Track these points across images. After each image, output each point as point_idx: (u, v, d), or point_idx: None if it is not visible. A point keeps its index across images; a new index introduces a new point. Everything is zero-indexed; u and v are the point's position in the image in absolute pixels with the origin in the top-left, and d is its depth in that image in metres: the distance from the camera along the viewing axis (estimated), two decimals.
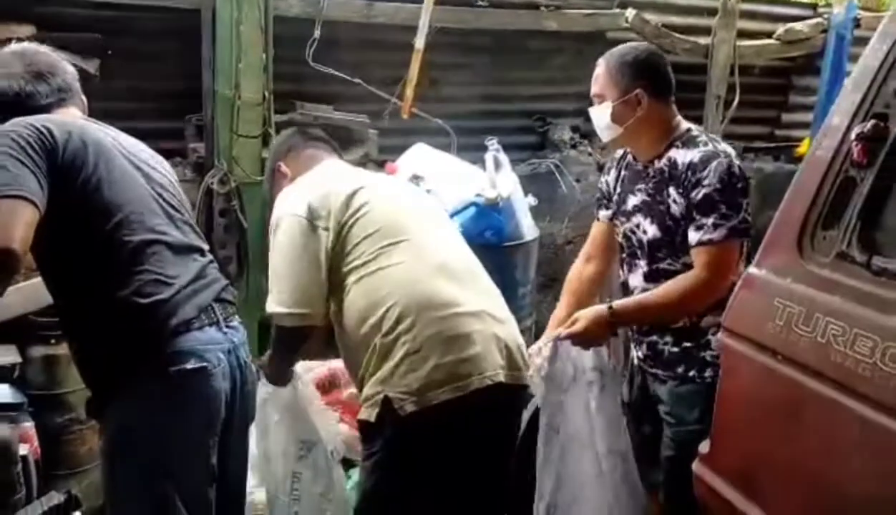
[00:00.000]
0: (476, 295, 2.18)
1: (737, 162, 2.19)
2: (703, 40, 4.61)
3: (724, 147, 2.23)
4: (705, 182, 2.13)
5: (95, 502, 2.84)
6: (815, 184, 1.91)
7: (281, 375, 2.41)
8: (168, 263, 1.86)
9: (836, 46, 4.84)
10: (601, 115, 2.31)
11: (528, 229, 3.46)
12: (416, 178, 3.37)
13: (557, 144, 4.51)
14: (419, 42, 3.71)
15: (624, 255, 2.44)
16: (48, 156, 1.72)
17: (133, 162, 1.93)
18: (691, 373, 2.29)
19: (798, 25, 4.88)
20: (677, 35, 4.52)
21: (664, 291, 2.21)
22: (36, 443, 2.48)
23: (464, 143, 3.93)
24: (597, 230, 2.58)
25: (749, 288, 2.03)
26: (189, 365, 1.81)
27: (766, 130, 5.31)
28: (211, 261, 2.03)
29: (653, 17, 4.44)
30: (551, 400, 2.32)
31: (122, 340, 1.82)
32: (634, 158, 2.39)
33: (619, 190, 2.43)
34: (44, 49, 2.02)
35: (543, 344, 2.39)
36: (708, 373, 2.26)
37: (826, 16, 4.92)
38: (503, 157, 3.43)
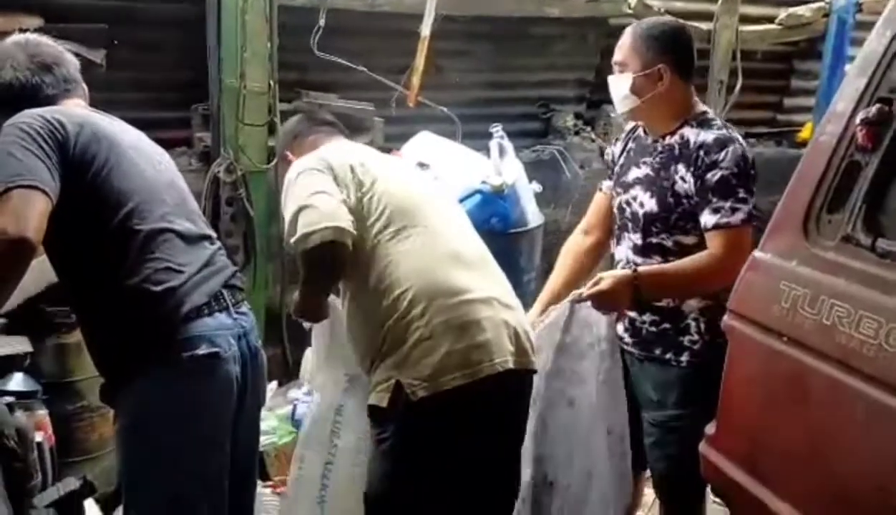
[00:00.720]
0: (486, 282, 2.20)
1: (749, 151, 2.21)
2: (705, 25, 4.60)
3: (737, 134, 2.24)
4: (722, 164, 2.14)
5: (107, 488, 2.88)
6: (820, 168, 1.92)
7: (316, 308, 2.23)
8: (178, 251, 1.88)
9: (837, 31, 4.85)
10: (620, 85, 2.29)
11: (533, 216, 3.48)
12: (421, 166, 3.38)
13: (561, 131, 4.53)
14: (425, 29, 3.72)
15: (615, 228, 2.45)
16: (59, 147, 1.74)
17: (139, 152, 1.95)
18: (668, 356, 2.29)
19: (800, 10, 4.88)
20: (680, 20, 4.50)
21: (682, 265, 2.20)
22: (50, 431, 2.51)
23: (468, 131, 3.95)
24: (596, 200, 2.58)
25: (755, 270, 2.05)
26: (201, 351, 1.84)
27: (768, 115, 5.32)
28: (219, 249, 2.05)
29: (656, 3, 4.43)
30: (565, 368, 2.32)
31: (135, 327, 1.84)
32: (645, 132, 2.39)
33: (622, 161, 2.43)
34: (46, 39, 2.04)
35: (557, 308, 2.37)
36: (685, 357, 2.27)
37: (828, 0, 4.92)
38: (507, 144, 3.45)
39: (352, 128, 3.89)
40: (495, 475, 2.22)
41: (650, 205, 2.28)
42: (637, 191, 2.33)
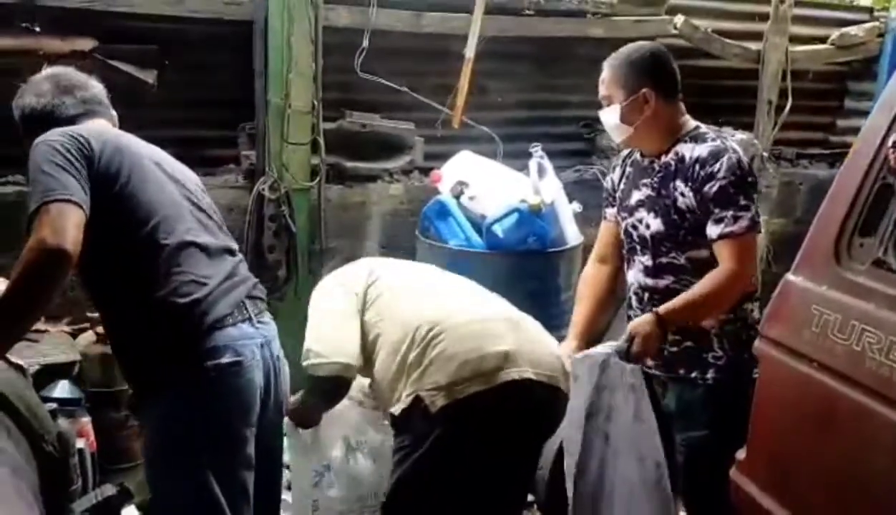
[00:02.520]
0: (511, 330, 2.28)
1: (745, 158, 2.19)
2: (754, 45, 4.55)
3: (732, 143, 2.23)
4: (719, 175, 2.13)
5: (148, 495, 2.94)
6: (852, 190, 1.90)
7: (310, 421, 2.47)
8: (202, 264, 1.93)
9: (893, 50, 4.74)
10: (610, 117, 2.32)
11: (573, 235, 3.47)
12: (460, 185, 3.41)
13: (605, 150, 4.51)
14: (469, 51, 3.76)
15: (624, 252, 2.45)
16: (87, 162, 1.80)
17: (163, 169, 1.99)
18: (693, 374, 2.28)
19: (853, 30, 4.78)
20: (727, 40, 4.48)
21: (702, 288, 2.18)
22: (92, 437, 2.58)
23: (510, 150, 3.96)
24: (605, 229, 2.58)
25: (786, 294, 2.02)
26: (225, 360, 1.88)
27: (820, 136, 5.21)
28: (241, 261, 2.09)
29: (702, 23, 4.41)
30: (603, 406, 2.33)
31: (162, 338, 1.89)
32: (641, 155, 2.39)
33: (622, 186, 2.44)
34: (73, 71, 2.11)
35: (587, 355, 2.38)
36: (710, 375, 2.25)
37: (882, 20, 4.82)
38: (547, 164, 3.45)
39: (393, 147, 3.97)
40: (510, 485, 2.25)
41: (656, 225, 2.28)
42: (642, 214, 2.33)
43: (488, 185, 3.41)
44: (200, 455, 1.91)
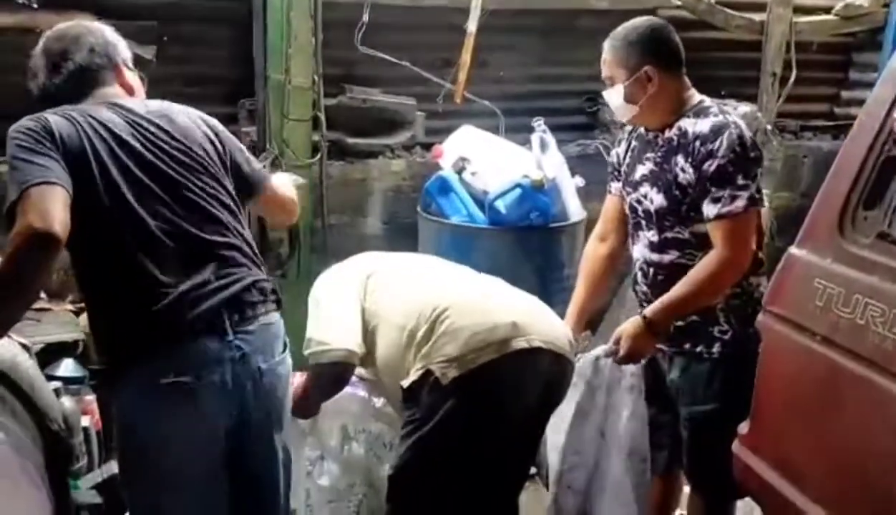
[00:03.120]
0: (516, 304, 2.33)
1: (748, 133, 2.17)
2: (757, 17, 4.50)
3: (736, 118, 2.21)
4: (718, 153, 2.12)
5: None
6: (856, 163, 1.89)
7: (310, 411, 2.44)
8: (170, 266, 1.76)
9: None
10: (615, 97, 2.31)
11: (575, 210, 3.46)
12: (462, 160, 3.39)
13: (607, 125, 4.48)
14: (472, 25, 3.72)
15: (629, 227, 2.44)
16: (54, 145, 1.69)
17: (153, 149, 1.81)
18: (699, 349, 2.28)
19: (858, 0, 4.73)
20: (730, 11, 4.43)
21: (692, 280, 2.19)
22: (97, 415, 2.60)
23: (513, 124, 3.93)
24: (609, 203, 2.57)
25: (790, 268, 2.02)
26: (179, 378, 1.73)
27: (825, 108, 5.16)
28: (234, 256, 1.86)
29: None
30: (595, 403, 2.37)
31: (119, 343, 1.80)
32: (646, 129, 2.38)
33: (627, 160, 2.43)
34: (64, 29, 1.95)
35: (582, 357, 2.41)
36: (716, 349, 2.26)
37: None
38: (549, 138, 3.43)
39: (394, 122, 3.95)
40: (518, 455, 2.29)
41: (658, 200, 2.27)
42: (646, 188, 2.32)
43: (490, 161, 3.39)
44: (154, 469, 1.79)
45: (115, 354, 1.82)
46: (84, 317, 3.02)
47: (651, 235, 2.32)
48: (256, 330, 1.86)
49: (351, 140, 3.88)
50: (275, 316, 1.94)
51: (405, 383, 2.17)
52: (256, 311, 1.87)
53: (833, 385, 1.85)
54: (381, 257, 2.57)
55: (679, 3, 4.26)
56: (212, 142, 1.94)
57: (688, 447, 2.37)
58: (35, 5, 3.16)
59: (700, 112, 2.23)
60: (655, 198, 2.28)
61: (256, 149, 3.62)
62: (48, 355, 2.73)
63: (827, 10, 4.75)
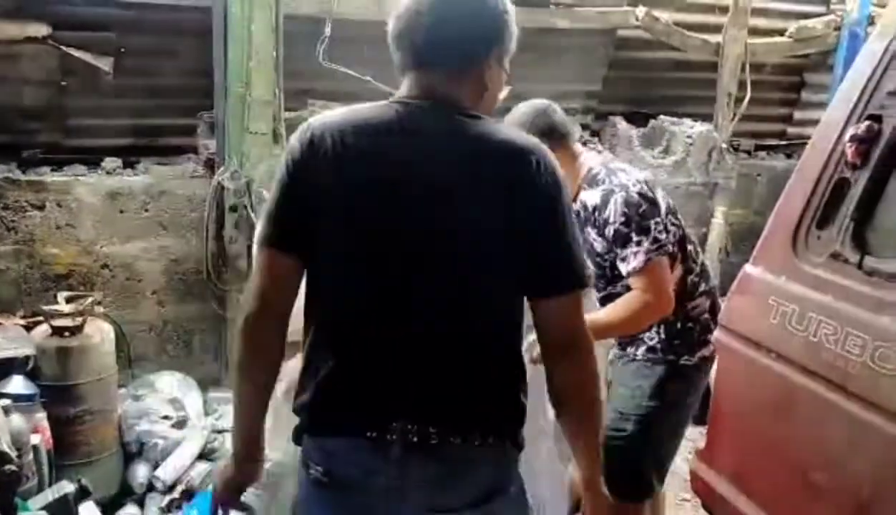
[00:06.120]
0: None
1: (634, 189, 2.20)
2: (713, 38, 4.59)
3: (619, 179, 2.24)
4: (611, 220, 2.19)
5: (108, 491, 2.90)
6: (810, 184, 1.93)
7: None
8: None
9: (849, 44, 4.81)
10: None
11: None
12: None
13: None
14: None
15: None
16: None
17: None
18: (629, 349, 2.34)
19: (811, 23, 4.85)
20: (687, 32, 4.52)
21: (614, 313, 2.23)
22: (48, 434, 2.54)
23: None
24: None
25: (745, 286, 2.05)
26: None
27: (778, 128, 5.28)
28: None
29: (663, 15, 4.43)
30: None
31: None
32: None
33: None
34: None
35: None
36: (641, 350, 2.30)
37: (839, 13, 4.89)
38: None
39: None
40: None
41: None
42: None
43: None
44: None
45: None
46: (37, 332, 2.95)
47: (594, 295, 2.39)
48: None
49: None
50: None
51: None
52: None
53: (788, 400, 1.89)
54: None
55: (638, 23, 4.32)
56: None
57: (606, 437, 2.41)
58: None
59: (592, 182, 2.29)
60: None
61: (216, 161, 3.58)
62: None
63: (780, 33, 4.86)
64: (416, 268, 1.36)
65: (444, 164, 1.37)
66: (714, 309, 2.25)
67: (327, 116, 1.46)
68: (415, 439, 1.35)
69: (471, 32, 1.46)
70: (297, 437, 1.47)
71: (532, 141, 1.44)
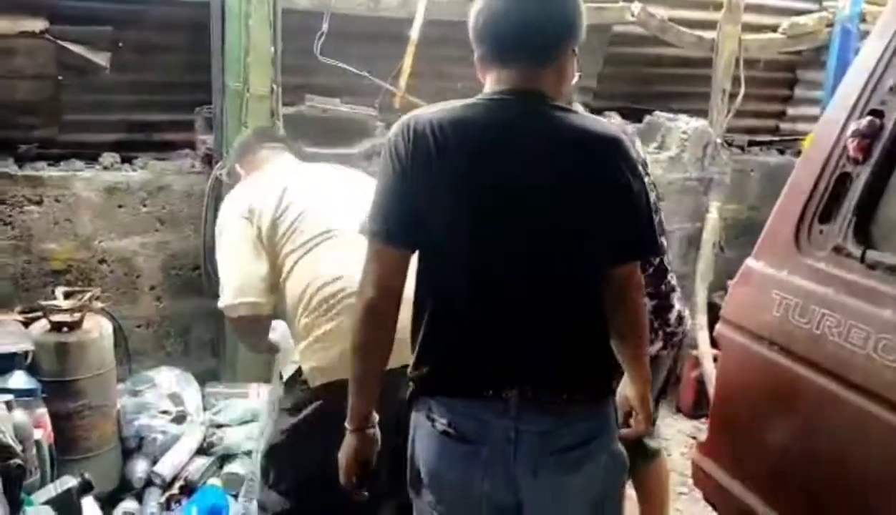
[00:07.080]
0: None
1: None
2: (708, 34, 4.61)
3: None
4: None
5: (107, 486, 2.90)
6: (812, 178, 1.95)
7: (257, 349, 2.55)
8: None
9: (841, 40, 4.83)
10: None
11: None
12: None
13: None
14: (414, 32, 3.75)
15: None
16: None
17: None
18: None
19: (803, 19, 4.87)
20: (683, 29, 4.53)
21: None
22: (50, 429, 2.53)
23: None
24: None
25: (747, 279, 2.07)
26: None
27: (771, 124, 5.31)
28: None
29: (659, 11, 4.45)
30: None
31: None
32: None
33: None
34: None
35: None
36: None
37: (831, 10, 4.92)
38: None
39: (353, 131, 3.94)
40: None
41: None
42: None
43: None
44: None
45: None
46: (35, 327, 2.94)
47: None
48: None
49: (310, 149, 3.85)
50: None
51: (283, 373, 2.24)
52: None
53: (790, 393, 1.91)
54: (295, 185, 2.44)
55: (633, 19, 4.34)
56: None
57: None
58: None
59: None
60: None
61: (213, 157, 3.57)
62: None
63: (774, 29, 4.89)
64: (525, 251, 1.52)
65: (542, 154, 1.51)
66: (657, 310, 2.22)
67: (424, 113, 1.57)
68: (529, 395, 1.54)
69: (553, 25, 1.55)
70: (414, 398, 1.66)
71: (616, 130, 1.61)
